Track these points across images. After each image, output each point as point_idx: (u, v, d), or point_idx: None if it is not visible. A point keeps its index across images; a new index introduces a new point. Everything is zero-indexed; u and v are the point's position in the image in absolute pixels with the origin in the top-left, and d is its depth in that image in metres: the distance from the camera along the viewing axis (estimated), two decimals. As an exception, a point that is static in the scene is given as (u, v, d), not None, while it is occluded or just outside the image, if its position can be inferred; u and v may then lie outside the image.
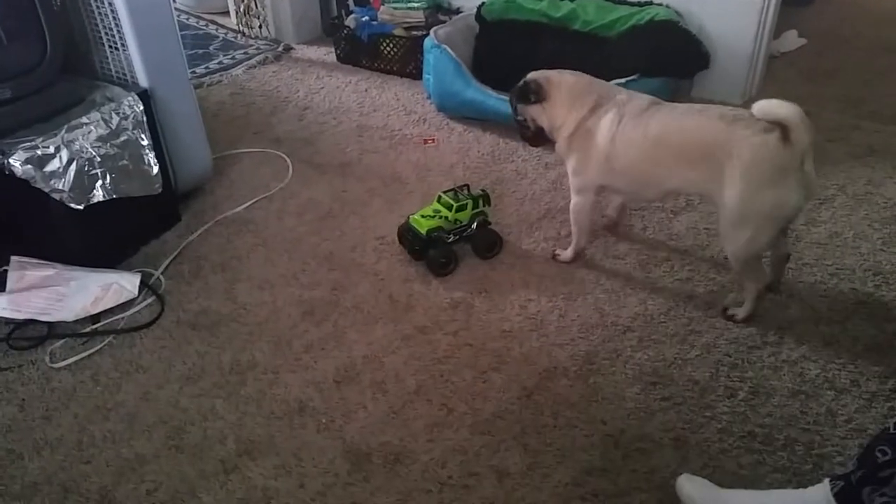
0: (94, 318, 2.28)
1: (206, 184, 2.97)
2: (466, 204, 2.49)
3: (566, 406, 1.97)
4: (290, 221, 2.78)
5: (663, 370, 2.06)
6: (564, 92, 2.26)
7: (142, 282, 2.39)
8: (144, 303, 2.37)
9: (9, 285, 2.25)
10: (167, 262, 2.54)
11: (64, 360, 2.16)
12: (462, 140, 3.29)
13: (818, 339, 2.14)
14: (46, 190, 2.20)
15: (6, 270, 2.26)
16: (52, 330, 2.24)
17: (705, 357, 2.10)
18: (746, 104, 3.44)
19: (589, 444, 1.86)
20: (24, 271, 2.27)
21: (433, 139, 2.83)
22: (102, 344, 2.22)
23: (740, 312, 2.19)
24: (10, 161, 2.13)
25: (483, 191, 2.59)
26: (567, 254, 2.47)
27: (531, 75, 2.35)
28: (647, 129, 2.09)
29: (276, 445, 1.89)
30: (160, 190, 2.56)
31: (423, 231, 2.44)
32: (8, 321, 2.25)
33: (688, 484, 1.68)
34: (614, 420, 1.92)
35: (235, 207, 2.85)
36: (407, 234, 2.52)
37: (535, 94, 2.30)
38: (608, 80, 2.94)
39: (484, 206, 2.55)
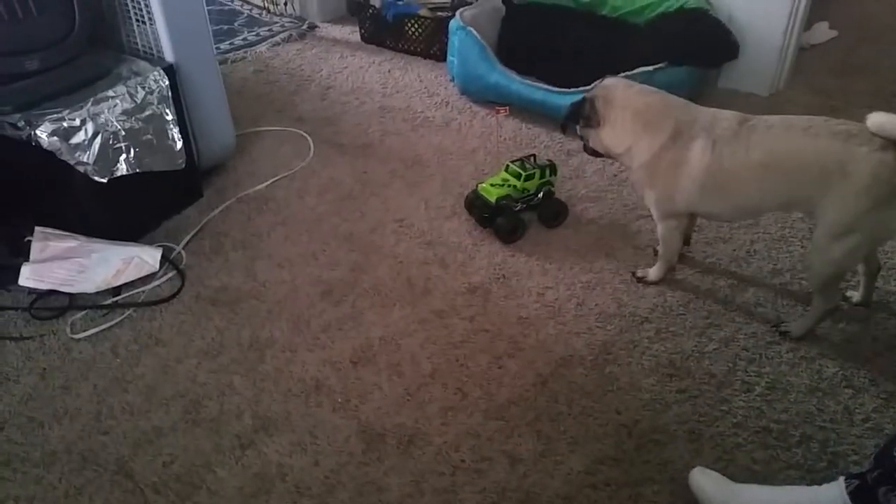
0: (115, 290, 2.30)
1: (228, 161, 2.98)
2: (534, 173, 2.54)
3: (581, 394, 1.97)
4: (310, 201, 2.79)
5: (680, 362, 2.06)
6: (630, 116, 2.09)
7: (163, 256, 2.41)
8: (165, 277, 2.39)
9: (32, 255, 2.27)
10: (188, 237, 2.56)
11: (84, 331, 2.19)
12: (484, 124, 3.27)
13: (837, 337, 2.13)
14: (71, 162, 2.22)
15: (30, 241, 2.29)
16: (74, 301, 2.27)
17: (723, 351, 2.09)
18: (774, 97, 3.44)
19: (603, 434, 1.86)
20: (48, 242, 2.30)
21: (505, 109, 2.80)
22: (122, 316, 2.24)
23: (796, 329, 2.11)
24: (37, 132, 2.15)
25: (549, 161, 2.64)
26: (654, 274, 2.32)
27: (595, 90, 2.18)
28: (750, 154, 1.92)
29: (291, 423, 1.91)
30: (183, 165, 2.57)
31: (493, 199, 2.50)
32: (31, 291, 2.28)
33: (701, 477, 1.68)
34: (629, 410, 1.92)
35: (257, 185, 2.86)
36: (476, 203, 2.58)
37: (587, 120, 2.16)
38: (634, 67, 2.94)
39: (551, 175, 2.60)
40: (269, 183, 2.88)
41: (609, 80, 2.22)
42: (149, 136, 2.42)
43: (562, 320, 2.21)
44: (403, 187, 2.85)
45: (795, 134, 1.90)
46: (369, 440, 1.85)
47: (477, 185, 2.60)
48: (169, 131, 2.49)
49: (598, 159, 2.75)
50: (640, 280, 2.34)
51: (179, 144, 2.52)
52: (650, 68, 2.95)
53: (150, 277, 2.36)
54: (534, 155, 2.65)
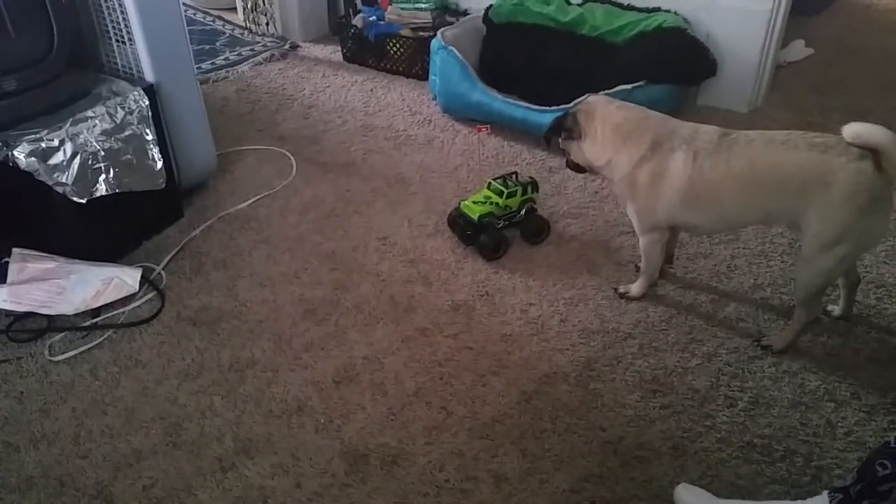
0: (95, 311, 2.27)
1: (209, 180, 2.96)
2: (516, 191, 2.55)
3: (565, 412, 1.96)
4: (292, 219, 2.78)
5: (663, 378, 2.06)
6: (609, 129, 2.11)
7: (143, 277, 2.39)
8: (145, 298, 2.36)
9: (10, 277, 2.24)
10: (169, 257, 2.54)
11: (63, 353, 2.16)
12: (467, 142, 3.28)
13: (819, 351, 2.14)
14: (50, 183, 2.20)
15: (7, 262, 2.26)
16: (52, 323, 2.24)
17: (706, 366, 2.10)
18: (752, 114, 3.48)
19: (587, 451, 1.86)
20: (26, 263, 2.27)
21: (486, 127, 2.81)
22: (102, 338, 2.21)
23: (777, 343, 2.12)
24: (15, 153, 2.12)
25: (531, 178, 2.64)
26: (636, 290, 2.33)
27: (579, 105, 2.22)
28: (731, 166, 1.94)
29: (273, 444, 1.88)
30: (163, 185, 2.55)
31: (475, 216, 2.51)
32: (8, 313, 2.24)
33: (685, 493, 1.68)
34: (613, 427, 1.92)
35: (238, 204, 2.85)
36: (458, 220, 2.58)
37: (568, 132, 2.19)
38: (614, 85, 2.96)
39: (532, 192, 2.61)
40: (250, 202, 2.86)
41: (591, 97, 2.26)
42: (128, 156, 2.40)
43: (545, 337, 2.21)
44: (386, 205, 2.85)
45: (775, 147, 1.92)
46: (352, 461, 1.84)
47: (459, 203, 2.60)
48: (149, 151, 2.48)
49: (580, 176, 2.77)
50: (623, 296, 2.35)
51: (160, 164, 2.51)
52: (629, 86, 2.98)
53: (129, 298, 2.34)
54: (515, 172, 2.65)
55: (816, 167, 1.84)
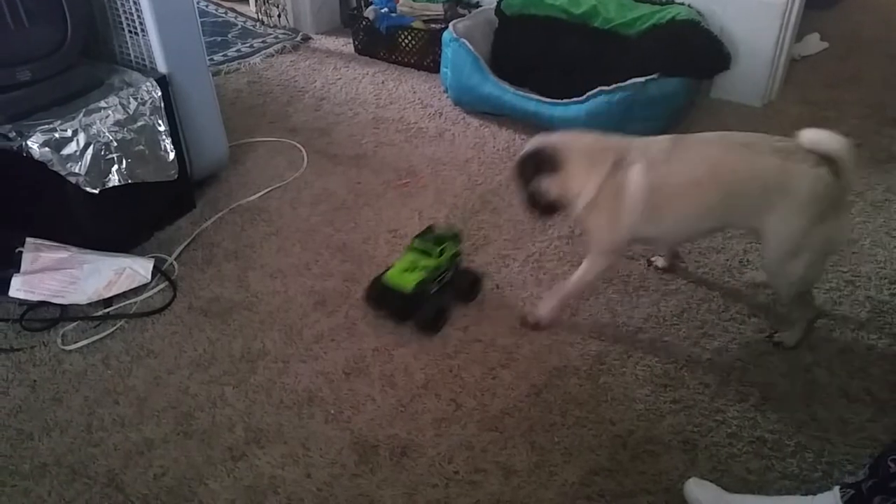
0: (107, 301, 2.29)
1: (221, 171, 2.97)
2: (446, 247, 2.26)
3: (575, 405, 1.96)
4: (303, 211, 2.78)
5: (674, 372, 2.05)
6: (579, 156, 2.02)
7: (155, 267, 2.40)
8: (157, 288, 2.38)
9: (23, 266, 2.25)
10: (181, 248, 2.55)
11: (76, 342, 2.17)
12: (478, 135, 3.28)
13: (832, 347, 2.13)
14: (63, 173, 2.21)
15: (21, 252, 2.27)
16: (65, 312, 2.25)
17: (716, 361, 2.09)
18: (766, 108, 3.45)
19: (597, 444, 1.85)
20: (39, 253, 2.28)
21: (406, 183, 2.80)
22: (114, 328, 2.23)
23: (789, 339, 2.11)
24: (28, 143, 2.14)
25: (453, 229, 2.42)
26: (544, 313, 2.21)
27: (535, 145, 2.08)
28: (690, 171, 1.93)
29: (283, 434, 1.89)
30: (176, 176, 2.56)
31: (409, 287, 2.16)
32: (22, 302, 2.26)
33: (695, 488, 1.67)
34: (623, 421, 1.92)
35: (250, 196, 2.85)
36: (386, 296, 2.21)
37: (551, 164, 2.02)
38: (626, 78, 2.95)
39: (457, 244, 2.33)
40: (261, 194, 2.87)
41: (537, 137, 2.12)
42: (141, 147, 2.41)
43: (555, 330, 2.20)
44: (396, 198, 2.85)
45: (735, 150, 1.92)
46: (362, 452, 1.84)
47: (382, 275, 2.25)
48: (161, 142, 2.48)
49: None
50: (524, 323, 2.23)
51: (172, 155, 2.52)
52: (642, 79, 2.96)
53: (141, 289, 2.35)
54: (431, 226, 2.37)
55: (777, 173, 1.84)
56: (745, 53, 3.35)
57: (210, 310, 2.30)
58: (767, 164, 1.85)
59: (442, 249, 2.24)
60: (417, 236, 2.30)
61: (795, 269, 1.92)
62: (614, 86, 2.93)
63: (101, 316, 2.26)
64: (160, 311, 2.30)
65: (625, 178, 1.97)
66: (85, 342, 2.17)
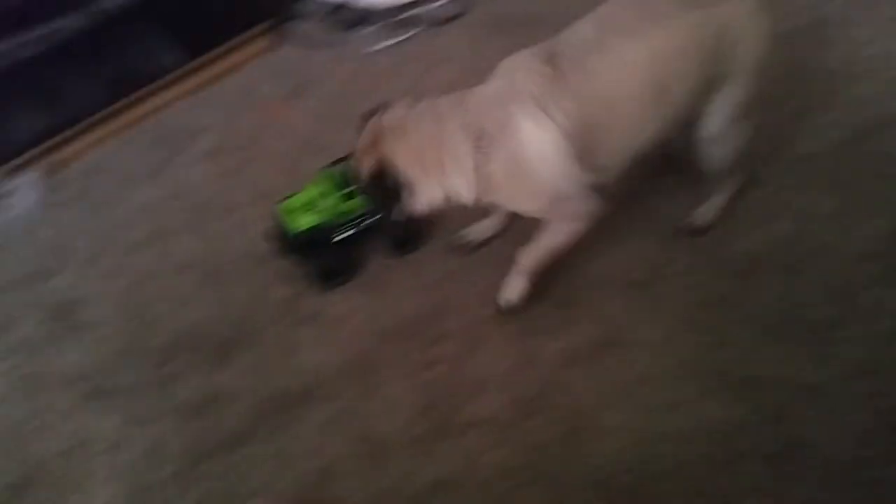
0: (405, 7, 2.33)
1: None
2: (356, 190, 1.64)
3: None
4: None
5: None
6: (413, 158, 1.44)
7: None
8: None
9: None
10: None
11: (377, 44, 2.27)
12: None
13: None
14: None
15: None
16: (365, 15, 2.32)
17: None
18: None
19: None
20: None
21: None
22: (412, 33, 2.29)
23: (703, 216, 1.76)
24: None
25: None
26: (510, 295, 1.68)
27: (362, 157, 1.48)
28: (615, 80, 1.41)
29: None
30: None
31: (294, 230, 1.68)
32: (328, 3, 2.36)
33: None
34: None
35: None
36: (277, 228, 1.74)
37: (404, 189, 1.46)
38: None
39: None
40: None
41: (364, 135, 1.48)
42: None
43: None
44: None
45: (661, 19, 1.42)
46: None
47: (280, 202, 1.73)
48: None
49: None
50: (501, 310, 1.69)
51: None
52: None
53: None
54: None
55: (721, 22, 1.44)
56: None
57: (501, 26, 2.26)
58: (706, 16, 1.43)
59: (351, 192, 1.67)
60: (330, 165, 1.74)
61: (752, 118, 1.59)
62: None
63: (399, 21, 2.31)
64: (453, 19, 2.31)
65: (515, 140, 1.41)
66: (385, 44, 2.26)
